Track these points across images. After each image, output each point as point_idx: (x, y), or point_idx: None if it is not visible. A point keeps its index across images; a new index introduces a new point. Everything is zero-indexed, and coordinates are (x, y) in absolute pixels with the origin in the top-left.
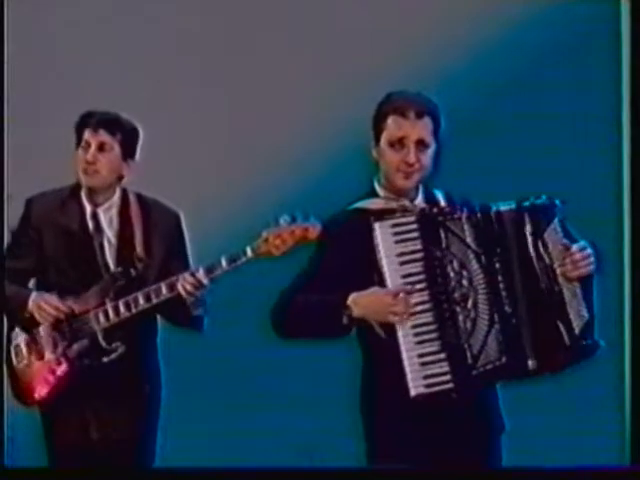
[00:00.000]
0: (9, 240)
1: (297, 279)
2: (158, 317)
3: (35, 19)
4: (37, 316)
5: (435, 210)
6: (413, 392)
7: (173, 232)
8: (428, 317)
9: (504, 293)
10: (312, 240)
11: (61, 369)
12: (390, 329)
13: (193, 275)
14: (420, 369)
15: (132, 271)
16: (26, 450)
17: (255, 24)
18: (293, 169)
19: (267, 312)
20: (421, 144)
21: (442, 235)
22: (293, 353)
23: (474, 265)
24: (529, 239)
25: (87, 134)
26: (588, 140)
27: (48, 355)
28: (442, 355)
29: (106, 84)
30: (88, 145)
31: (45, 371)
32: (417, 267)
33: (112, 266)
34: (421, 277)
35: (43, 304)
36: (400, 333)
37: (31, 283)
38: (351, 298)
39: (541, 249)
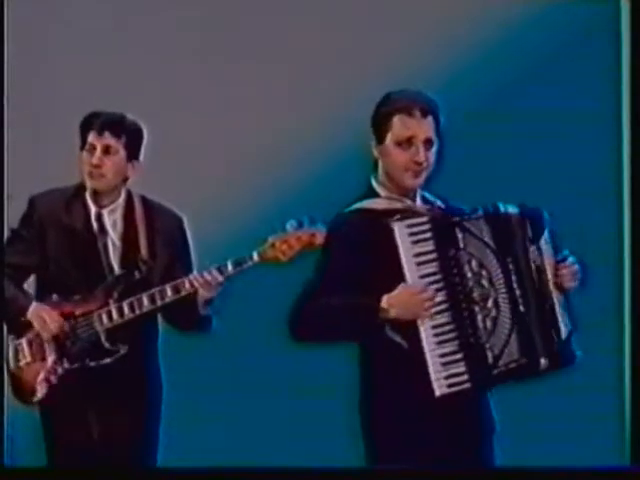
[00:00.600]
0: (10, 236)
1: (309, 283)
2: (159, 320)
3: (35, 19)
4: (36, 325)
5: (450, 210)
6: (438, 392)
7: (177, 236)
8: (446, 317)
9: (518, 292)
10: (319, 246)
11: (62, 369)
12: (405, 331)
13: (210, 273)
14: (441, 369)
15: (136, 273)
16: (26, 450)
17: (255, 24)
18: (293, 169)
19: (267, 314)
20: (428, 142)
21: (459, 235)
22: (293, 354)
23: (494, 264)
24: (529, 243)
25: (92, 137)
26: (588, 140)
27: (50, 355)
28: (459, 355)
29: (106, 84)
30: (93, 148)
31: (47, 371)
32: (433, 267)
33: (116, 268)
34: (437, 277)
35: (46, 317)
36: (423, 334)
37: (31, 279)
38: (386, 300)
39: (537, 255)
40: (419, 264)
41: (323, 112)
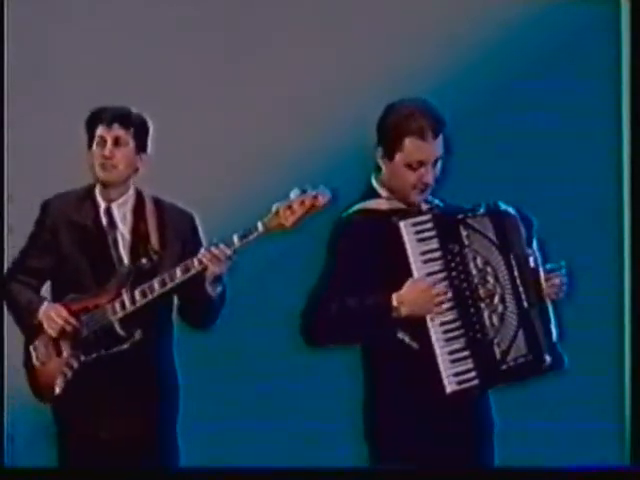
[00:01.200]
0: (25, 243)
1: (317, 287)
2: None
3: (35, 19)
4: (45, 325)
5: (452, 208)
6: (448, 389)
7: (188, 230)
8: (453, 314)
9: (521, 289)
10: (321, 208)
11: (78, 362)
12: (413, 330)
13: (217, 247)
14: (451, 366)
15: (147, 262)
16: (26, 450)
17: (256, 24)
18: (293, 169)
19: (269, 314)
20: (437, 161)
21: (463, 232)
22: (293, 355)
23: (498, 260)
24: (526, 243)
25: (101, 130)
26: (588, 140)
27: (66, 350)
28: (467, 352)
29: (106, 84)
30: (103, 140)
31: (63, 365)
32: (439, 265)
33: (126, 260)
34: (444, 275)
35: (53, 314)
36: (432, 332)
37: (48, 284)
38: (396, 298)
39: (533, 256)
40: (426, 262)
41: (323, 112)
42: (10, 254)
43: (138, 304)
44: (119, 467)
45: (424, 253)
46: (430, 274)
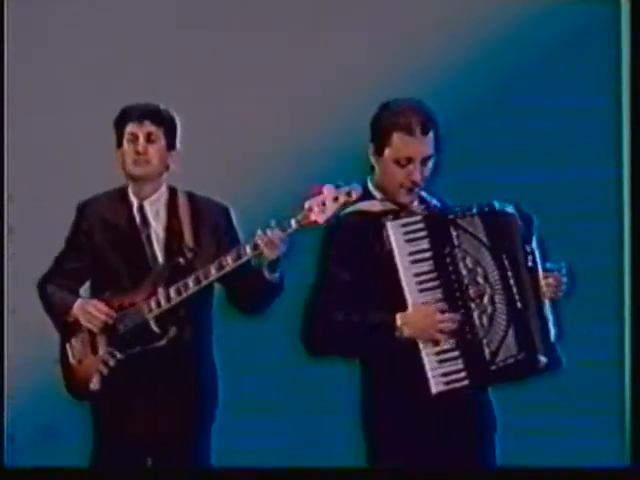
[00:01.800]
0: (63, 247)
1: (313, 291)
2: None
3: (35, 19)
4: (82, 320)
5: (444, 209)
6: (434, 390)
7: (223, 224)
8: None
9: (515, 289)
10: (352, 204)
11: (114, 360)
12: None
13: (270, 228)
14: (438, 367)
15: (181, 260)
16: (26, 450)
17: (255, 25)
18: (293, 169)
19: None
20: (426, 160)
21: (453, 232)
22: (293, 357)
23: (488, 261)
24: (523, 242)
25: (131, 127)
26: (588, 140)
27: (101, 347)
28: (456, 352)
29: (106, 84)
30: (135, 137)
31: (99, 362)
32: (428, 265)
33: (160, 258)
34: (432, 275)
35: (92, 309)
36: None
37: (87, 285)
38: (400, 319)
39: (531, 254)
40: (413, 262)
41: (323, 112)
42: (10, 254)
43: (173, 302)
44: (117, 467)
45: (412, 254)
46: (419, 274)
